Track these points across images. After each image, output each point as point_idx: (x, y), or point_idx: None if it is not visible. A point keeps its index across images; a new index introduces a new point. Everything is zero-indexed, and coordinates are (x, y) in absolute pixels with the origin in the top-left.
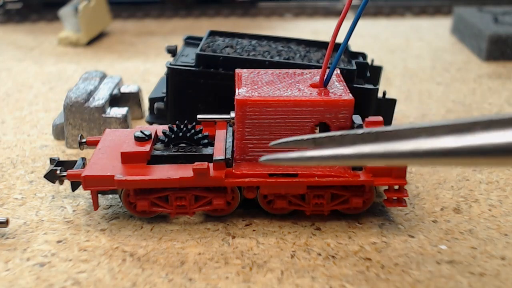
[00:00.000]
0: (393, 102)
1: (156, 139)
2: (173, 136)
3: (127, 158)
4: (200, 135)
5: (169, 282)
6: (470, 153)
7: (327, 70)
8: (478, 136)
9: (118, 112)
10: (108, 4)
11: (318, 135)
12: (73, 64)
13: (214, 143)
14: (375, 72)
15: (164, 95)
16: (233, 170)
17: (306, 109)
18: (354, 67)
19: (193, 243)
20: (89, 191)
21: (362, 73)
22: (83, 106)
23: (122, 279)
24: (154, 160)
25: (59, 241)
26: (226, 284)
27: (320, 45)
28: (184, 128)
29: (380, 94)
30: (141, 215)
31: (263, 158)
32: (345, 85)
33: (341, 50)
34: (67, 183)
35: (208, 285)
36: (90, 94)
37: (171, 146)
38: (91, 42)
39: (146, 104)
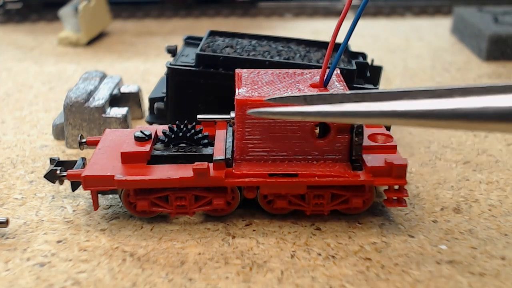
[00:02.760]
0: (379, 68)
1: (156, 139)
2: (173, 136)
3: (127, 158)
4: (200, 135)
5: (169, 282)
6: (446, 116)
7: (327, 70)
8: (456, 100)
9: (118, 112)
10: (108, 4)
11: (309, 93)
12: (73, 64)
13: (214, 143)
14: (375, 72)
15: (164, 95)
16: (233, 170)
17: None
18: (354, 67)
19: (193, 243)
20: (89, 191)
21: (362, 73)
22: (83, 106)
23: (122, 279)
24: (154, 160)
25: (59, 241)
26: (226, 284)
27: (320, 45)
28: (184, 128)
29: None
30: (141, 215)
31: (250, 111)
32: (345, 85)
33: (341, 50)
34: (67, 183)
35: (208, 285)
36: (90, 94)
37: (171, 146)
38: (91, 42)
39: (146, 104)
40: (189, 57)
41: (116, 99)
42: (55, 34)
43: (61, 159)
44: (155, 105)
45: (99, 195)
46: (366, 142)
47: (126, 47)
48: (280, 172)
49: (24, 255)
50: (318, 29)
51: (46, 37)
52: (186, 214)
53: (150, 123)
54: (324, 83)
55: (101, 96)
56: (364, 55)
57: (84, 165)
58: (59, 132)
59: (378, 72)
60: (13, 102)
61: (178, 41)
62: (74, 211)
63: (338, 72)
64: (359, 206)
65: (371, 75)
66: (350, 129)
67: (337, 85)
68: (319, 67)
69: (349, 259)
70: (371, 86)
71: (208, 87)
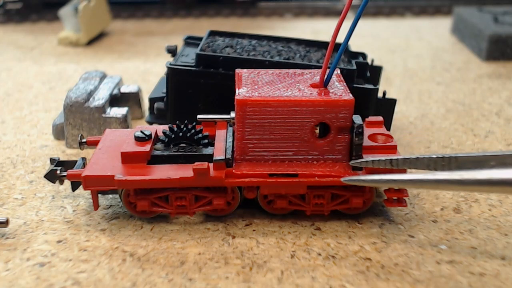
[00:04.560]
0: (393, 102)
1: (156, 139)
2: (173, 136)
3: (127, 158)
4: (200, 135)
5: (169, 282)
6: None
7: (327, 70)
8: None
9: (118, 112)
10: (108, 4)
11: (394, 157)
12: (73, 64)
13: (214, 143)
14: (375, 72)
15: (164, 95)
16: (233, 170)
17: (306, 109)
18: (354, 67)
19: (193, 243)
20: (89, 191)
21: (362, 73)
22: (83, 106)
23: (122, 279)
24: (154, 160)
25: (59, 241)
26: (226, 284)
27: (320, 45)
28: (184, 128)
29: (380, 94)
30: (141, 215)
31: (344, 179)
32: (345, 85)
33: (341, 50)
34: (67, 183)
35: (208, 285)
36: (90, 94)
37: (171, 146)
38: (91, 42)
39: (146, 104)
40: (189, 57)
41: (116, 99)
42: (55, 34)
43: (61, 159)
44: (155, 105)
45: (99, 195)
46: (366, 142)
47: (126, 47)
48: (280, 172)
49: (24, 255)
50: (318, 29)
51: (46, 37)
52: (186, 214)
53: (150, 123)
54: (324, 83)
55: (101, 96)
56: (364, 55)
57: (84, 165)
58: (59, 132)
59: (378, 72)
60: (13, 102)
61: (178, 41)
62: (74, 211)
63: (338, 72)
64: (359, 206)
65: (371, 75)
66: (350, 129)
67: (337, 85)
68: (319, 67)
69: (349, 259)
70: (371, 86)
71: (208, 87)
